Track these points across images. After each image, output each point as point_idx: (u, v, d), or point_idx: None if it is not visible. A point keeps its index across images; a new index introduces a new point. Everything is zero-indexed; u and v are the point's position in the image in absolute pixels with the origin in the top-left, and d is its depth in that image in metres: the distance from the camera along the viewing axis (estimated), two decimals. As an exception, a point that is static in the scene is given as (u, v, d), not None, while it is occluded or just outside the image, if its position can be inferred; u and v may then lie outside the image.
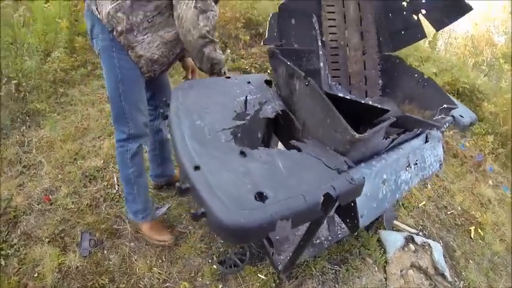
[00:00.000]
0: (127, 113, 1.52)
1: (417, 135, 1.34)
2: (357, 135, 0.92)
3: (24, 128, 2.54)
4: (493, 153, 3.32)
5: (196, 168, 0.86)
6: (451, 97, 1.40)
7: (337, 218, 2.01)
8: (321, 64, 1.04)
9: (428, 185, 2.75)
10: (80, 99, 2.78)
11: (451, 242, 2.33)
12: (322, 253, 1.92)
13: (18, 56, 2.82)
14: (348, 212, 1.09)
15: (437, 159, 1.40)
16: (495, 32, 5.76)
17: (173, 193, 2.15)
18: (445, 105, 1.23)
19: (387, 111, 1.06)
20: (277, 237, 1.79)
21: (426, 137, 1.32)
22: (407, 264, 2.07)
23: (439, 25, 1.50)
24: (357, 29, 1.44)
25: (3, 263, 1.75)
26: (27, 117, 2.60)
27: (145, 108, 1.62)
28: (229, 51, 3.63)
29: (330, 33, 1.40)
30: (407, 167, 1.25)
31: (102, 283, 1.68)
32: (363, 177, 1.00)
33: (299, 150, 1.03)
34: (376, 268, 1.98)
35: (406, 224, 2.33)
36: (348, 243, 2.05)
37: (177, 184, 0.86)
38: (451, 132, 3.40)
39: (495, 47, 5.38)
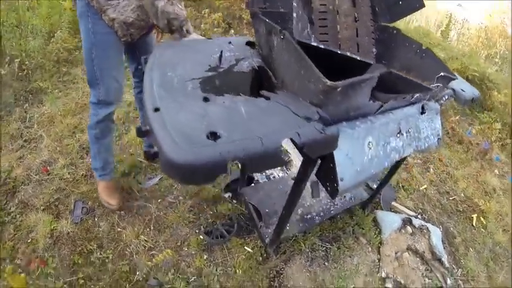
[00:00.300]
0: (98, 78, 1.52)
1: (411, 104, 1.30)
2: (329, 83, 0.88)
3: (27, 105, 2.59)
4: (501, 143, 3.23)
5: (156, 110, 0.86)
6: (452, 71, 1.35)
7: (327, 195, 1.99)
8: (294, 14, 1.01)
9: (431, 169, 2.69)
10: (82, 77, 2.82)
11: (451, 228, 2.27)
12: (313, 229, 1.90)
13: (22, 37, 2.90)
14: (328, 174, 1.06)
15: (435, 132, 1.35)
16: (510, 24, 5.58)
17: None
18: (442, 73, 1.17)
19: (369, 65, 1.03)
20: (267, 210, 1.77)
21: (423, 108, 1.28)
22: (403, 246, 2.02)
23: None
24: (348, -6, 1.40)
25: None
26: (30, 95, 2.66)
27: (121, 76, 1.61)
28: (232, 31, 3.63)
29: (318, -2, 1.36)
30: (398, 133, 1.20)
31: (90, 248, 1.71)
32: (337, 130, 0.96)
33: (267, 99, 1.01)
34: (369, 248, 1.95)
35: (405, 206, 2.28)
36: (342, 221, 2.02)
37: (137, 126, 0.86)
38: (457, 118, 3.31)
39: (509, 40, 5.22)
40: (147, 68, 1.08)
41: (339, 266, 1.81)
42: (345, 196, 2.00)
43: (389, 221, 2.10)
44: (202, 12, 3.85)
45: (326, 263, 1.82)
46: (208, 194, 1.97)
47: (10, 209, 1.90)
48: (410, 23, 5.22)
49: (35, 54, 2.82)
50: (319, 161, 1.11)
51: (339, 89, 0.93)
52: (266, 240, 1.67)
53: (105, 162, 1.82)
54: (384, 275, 1.86)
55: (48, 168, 2.09)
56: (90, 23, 1.42)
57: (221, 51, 1.21)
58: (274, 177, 2.07)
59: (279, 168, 2.13)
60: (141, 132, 0.84)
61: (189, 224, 1.85)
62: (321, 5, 1.41)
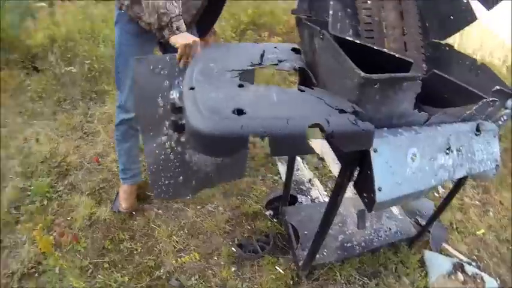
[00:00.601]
0: (121, 85, 1.61)
1: (464, 120, 1.18)
2: (363, 74, 0.82)
3: (91, 103, 2.83)
4: None
5: (191, 88, 0.90)
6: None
7: (371, 224, 1.86)
8: (330, 11, 0.98)
9: (491, 212, 2.42)
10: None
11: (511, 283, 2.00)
12: (352, 260, 1.76)
13: (94, 44, 3.23)
14: (365, 183, 0.98)
15: (492, 157, 1.21)
16: None
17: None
18: (497, 87, 1.05)
19: (409, 63, 0.94)
20: (306, 232, 1.70)
21: (477, 128, 1.16)
22: None
23: (489, 4, 1.33)
24: (394, 6, 1.33)
25: (45, 203, 1.94)
26: (95, 95, 2.91)
27: None
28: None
29: (363, 9, 1.31)
30: (447, 149, 1.09)
31: (122, 238, 1.76)
32: (373, 126, 0.88)
33: (302, 91, 0.98)
34: None
35: (458, 250, 2.05)
36: (384, 256, 1.86)
37: (171, 102, 1.03)
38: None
39: None
40: (192, 62, 1.13)
41: None
42: (390, 229, 1.86)
43: (439, 264, 1.89)
44: (262, 35, 3.97)
45: None
46: (249, 208, 1.94)
47: (59, 188, 2.06)
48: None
49: (104, 60, 3.12)
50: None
51: (376, 85, 0.87)
52: (300, 263, 1.59)
53: (125, 167, 1.87)
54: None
55: (99, 159, 2.24)
56: (118, 33, 1.53)
57: (263, 51, 1.23)
58: (319, 201, 2.00)
59: (324, 193, 2.06)
60: (174, 109, 0.89)
61: (224, 234, 1.82)
62: (366, 16, 1.36)
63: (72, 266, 1.61)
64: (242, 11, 4.69)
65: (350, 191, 2.10)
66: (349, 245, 1.71)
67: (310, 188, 2.09)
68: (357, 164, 1.03)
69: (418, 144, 1.03)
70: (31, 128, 2.93)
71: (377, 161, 0.95)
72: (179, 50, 1.23)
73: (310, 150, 0.84)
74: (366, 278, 1.73)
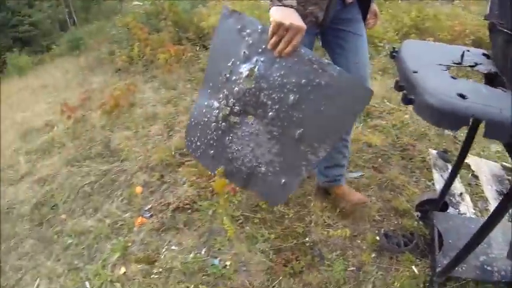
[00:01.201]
0: None
1: None
2: None
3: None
4: None
5: (414, 72, 1.04)
6: None
7: None
8: None
9: None
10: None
11: None
12: (487, 286, 1.66)
13: None
14: None
15: None
16: None
17: (368, 164, 2.31)
18: None
19: None
20: (450, 241, 1.68)
21: None
22: None
23: None
24: None
25: None
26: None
27: None
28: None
29: None
30: None
31: None
32: None
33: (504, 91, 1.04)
34: None
35: None
36: None
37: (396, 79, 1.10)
38: None
39: None
40: (402, 53, 1.23)
41: None
42: None
43: None
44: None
45: None
46: (400, 205, 1.97)
47: None
48: None
49: None
50: None
51: None
52: (437, 269, 1.59)
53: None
54: None
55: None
56: None
57: (463, 51, 1.27)
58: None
59: (473, 211, 1.99)
60: (398, 87, 1.07)
61: (372, 221, 1.89)
62: None
63: (224, 212, 1.83)
64: (403, 13, 4.64)
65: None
66: (489, 268, 1.62)
67: (460, 202, 2.04)
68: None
69: None
70: (197, 93, 3.48)
71: None
72: (270, 27, 1.07)
73: (506, 139, 0.92)
74: None
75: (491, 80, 1.26)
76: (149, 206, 2.12)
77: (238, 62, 1.23)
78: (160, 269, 1.73)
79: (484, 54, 1.39)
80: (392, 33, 4.24)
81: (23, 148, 3.26)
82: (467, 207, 2.02)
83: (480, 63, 1.30)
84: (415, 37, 4.04)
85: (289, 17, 1.04)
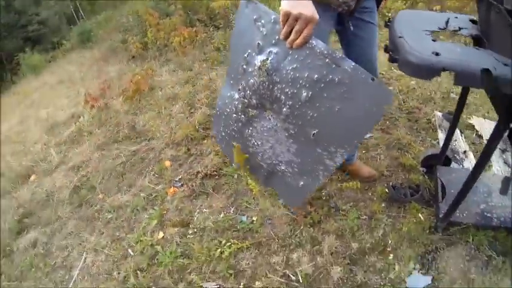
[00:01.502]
0: None
1: None
2: None
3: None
4: None
5: (400, 37, 1.20)
6: None
7: None
8: None
9: None
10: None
11: None
12: (487, 232, 1.79)
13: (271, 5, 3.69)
14: None
15: None
16: None
17: (377, 127, 2.43)
18: None
19: None
20: (452, 191, 1.84)
21: None
22: None
23: None
24: None
25: None
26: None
27: None
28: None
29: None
30: None
31: None
32: None
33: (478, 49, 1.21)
34: None
35: None
36: None
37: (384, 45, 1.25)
38: None
39: None
40: (395, 23, 1.37)
41: (495, 280, 1.67)
42: None
43: None
44: (434, 9, 3.91)
45: (484, 269, 1.71)
46: (407, 161, 2.13)
47: None
48: None
49: None
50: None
51: None
52: (440, 215, 1.77)
53: None
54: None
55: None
56: None
57: (448, 18, 1.43)
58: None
59: (474, 162, 2.15)
60: (386, 50, 1.23)
61: (381, 176, 2.07)
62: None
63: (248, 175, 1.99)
64: (412, -18, 4.64)
65: (502, 169, 2.13)
66: (488, 215, 1.78)
67: (464, 159, 2.19)
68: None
69: None
70: (215, 71, 3.63)
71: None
72: (280, 16, 1.01)
73: (480, 84, 1.08)
74: (494, 253, 1.75)
75: (478, 42, 1.44)
76: (179, 177, 2.35)
77: (253, 53, 1.20)
78: (195, 230, 1.97)
79: (471, 20, 1.54)
80: (400, 2, 4.28)
81: (52, 141, 3.47)
82: (470, 163, 2.17)
83: (464, 28, 1.45)
84: (422, 6, 4.09)
85: (299, 6, 0.96)
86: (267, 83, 1.18)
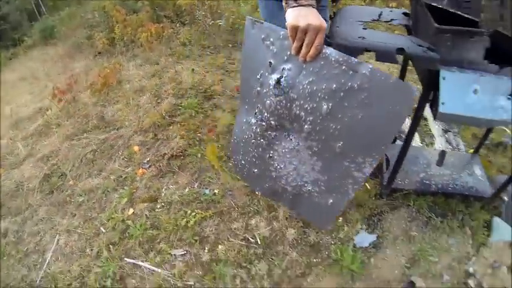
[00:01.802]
0: None
1: None
2: (436, 24, 1.28)
3: (232, 49, 3.56)
4: None
5: (337, 27, 1.52)
6: None
7: (451, 173, 2.17)
8: None
9: None
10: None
11: None
12: (427, 197, 2.06)
13: (235, 4, 3.93)
14: (434, 100, 1.40)
15: None
16: None
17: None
18: None
19: (475, 22, 1.31)
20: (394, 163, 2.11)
21: None
22: (507, 261, 1.85)
23: None
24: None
25: (193, 114, 2.70)
26: (235, 43, 3.63)
27: None
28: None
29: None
30: (509, 95, 1.27)
31: None
32: (438, 56, 1.30)
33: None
34: (470, 241, 1.95)
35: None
36: (456, 206, 2.08)
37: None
38: None
39: None
40: (336, 17, 1.67)
41: (433, 237, 1.92)
42: (467, 182, 2.12)
43: (505, 233, 1.97)
44: (390, 5, 4.27)
45: (424, 228, 1.96)
46: None
47: (204, 106, 2.81)
48: None
49: (243, 16, 3.79)
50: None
51: (448, 34, 1.29)
52: (384, 183, 2.03)
53: None
54: (471, 270, 1.84)
55: (239, 89, 2.93)
56: None
57: (381, 11, 1.73)
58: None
59: (420, 144, 2.45)
60: (327, 43, 1.46)
61: None
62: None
63: (211, 154, 2.27)
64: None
65: (443, 147, 2.42)
66: (427, 182, 2.05)
67: (407, 137, 2.52)
68: (432, 88, 1.42)
69: (481, 84, 1.29)
70: (180, 65, 3.77)
71: (444, 85, 1.30)
72: (288, 31, 0.99)
73: (392, 60, 1.34)
74: (433, 215, 2.01)
75: (409, 31, 1.73)
76: (147, 159, 2.52)
77: (266, 74, 1.17)
78: (163, 204, 2.15)
79: (403, 13, 1.84)
80: (359, 1, 4.65)
81: (19, 135, 3.47)
82: (414, 141, 2.47)
83: (396, 19, 1.73)
84: (380, 3, 4.42)
85: (306, 17, 0.94)
86: (284, 102, 1.15)
